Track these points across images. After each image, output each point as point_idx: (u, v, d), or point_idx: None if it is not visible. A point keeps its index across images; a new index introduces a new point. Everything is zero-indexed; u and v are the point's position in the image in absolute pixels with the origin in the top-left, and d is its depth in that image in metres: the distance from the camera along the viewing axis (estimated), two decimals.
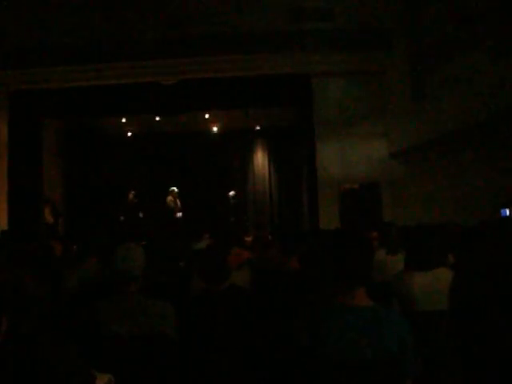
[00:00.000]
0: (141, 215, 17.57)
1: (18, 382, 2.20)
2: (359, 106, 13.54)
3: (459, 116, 9.73)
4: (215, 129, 18.73)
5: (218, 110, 16.69)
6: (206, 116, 17.43)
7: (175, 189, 17.22)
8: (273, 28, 12.87)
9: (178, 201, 17.38)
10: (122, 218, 17.34)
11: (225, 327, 3.97)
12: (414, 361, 2.81)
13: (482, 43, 9.11)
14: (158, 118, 17.35)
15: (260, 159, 19.74)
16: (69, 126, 17.51)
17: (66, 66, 13.08)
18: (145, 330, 3.67)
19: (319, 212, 13.52)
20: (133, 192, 17.63)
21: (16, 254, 6.19)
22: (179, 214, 17.22)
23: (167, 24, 12.49)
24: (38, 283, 2.70)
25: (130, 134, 18.98)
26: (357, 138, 13.50)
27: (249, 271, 5.92)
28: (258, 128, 19.18)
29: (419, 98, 11.86)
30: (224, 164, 19.34)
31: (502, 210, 10.09)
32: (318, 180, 13.59)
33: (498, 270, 3.19)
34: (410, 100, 12.36)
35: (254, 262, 6.89)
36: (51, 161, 16.05)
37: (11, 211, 13.72)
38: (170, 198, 17.18)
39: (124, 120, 17.66)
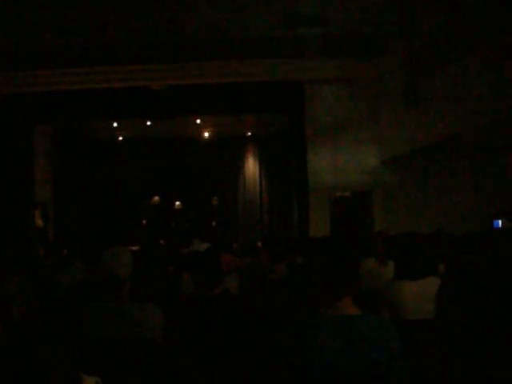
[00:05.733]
0: (144, 222, 17.55)
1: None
2: (352, 112, 13.52)
3: (452, 124, 9.72)
4: (206, 134, 18.72)
5: (209, 116, 16.70)
6: (198, 121, 17.42)
7: None
8: (265, 34, 12.83)
9: None
10: (144, 221, 17.42)
11: (218, 332, 3.93)
12: (402, 370, 2.78)
13: (476, 50, 9.12)
14: (149, 123, 17.30)
15: (251, 165, 19.72)
16: (59, 130, 17.43)
17: (56, 69, 13.00)
18: (132, 334, 3.65)
19: (310, 219, 13.49)
20: (157, 197, 17.63)
21: (2, 255, 6.17)
22: None
23: (159, 28, 12.46)
24: (23, 284, 2.67)
25: (121, 138, 18.93)
26: (349, 145, 13.47)
27: (237, 277, 5.89)
28: (249, 134, 19.17)
29: (412, 105, 11.85)
30: (215, 169, 19.29)
31: (495, 221, 10.07)
32: (309, 187, 13.54)
33: (487, 278, 3.18)
34: (403, 107, 12.36)
35: (242, 269, 6.87)
36: (42, 165, 15.98)
37: (1, 215, 13.66)
38: None
39: (115, 124, 17.61)
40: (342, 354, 2.68)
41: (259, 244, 10.73)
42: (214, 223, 17.68)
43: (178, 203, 17.64)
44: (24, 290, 2.61)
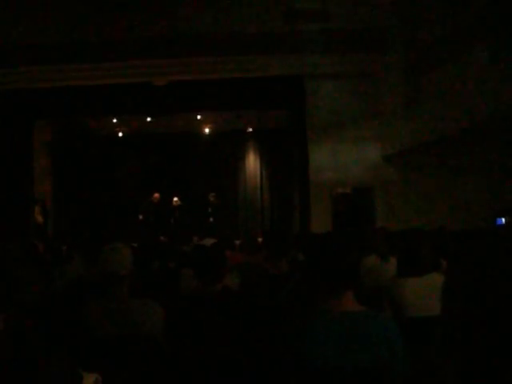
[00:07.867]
0: (140, 217, 17.49)
1: (5, 381, 2.15)
2: (352, 108, 13.50)
3: (453, 119, 9.70)
4: (207, 130, 18.68)
5: (210, 112, 16.65)
6: (198, 117, 17.38)
7: None
8: (266, 29, 12.81)
9: None
10: (140, 217, 17.38)
11: (219, 328, 3.90)
12: (404, 367, 2.75)
13: (477, 47, 9.09)
14: (149, 119, 17.27)
15: (252, 161, 19.69)
16: (59, 126, 17.40)
17: (56, 65, 12.98)
18: (132, 331, 3.63)
19: (311, 216, 13.48)
20: (157, 194, 17.55)
21: (3, 252, 6.14)
22: None
23: (159, 24, 12.43)
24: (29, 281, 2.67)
25: (121, 134, 18.87)
26: (349, 141, 13.45)
27: (238, 274, 5.85)
28: (250, 130, 19.14)
29: (413, 100, 11.83)
30: (215, 165, 19.26)
31: (498, 219, 10.03)
32: (310, 183, 13.55)
33: (489, 274, 3.14)
34: (404, 103, 12.34)
35: (243, 265, 6.84)
36: (41, 161, 15.99)
37: (0, 211, 13.66)
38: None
39: (115, 120, 17.58)
40: (343, 350, 2.67)
41: (260, 240, 10.69)
42: (211, 219, 17.59)
43: (175, 199, 17.57)
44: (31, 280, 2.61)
